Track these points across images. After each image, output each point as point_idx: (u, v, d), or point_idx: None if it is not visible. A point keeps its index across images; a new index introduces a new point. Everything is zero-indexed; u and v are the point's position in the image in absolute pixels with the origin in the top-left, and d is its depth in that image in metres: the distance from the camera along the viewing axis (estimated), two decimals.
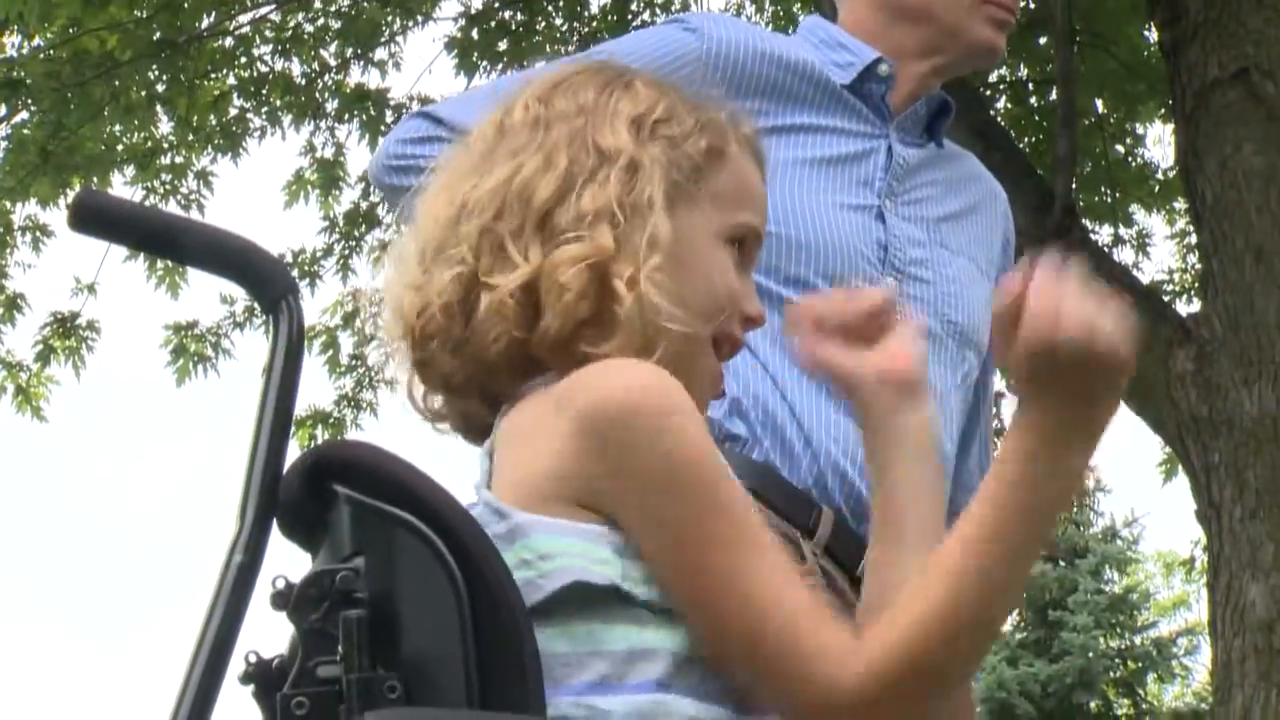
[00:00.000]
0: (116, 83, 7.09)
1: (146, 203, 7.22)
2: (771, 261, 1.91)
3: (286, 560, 1.30)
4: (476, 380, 1.37)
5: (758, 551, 1.25)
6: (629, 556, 1.25)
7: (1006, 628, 19.21)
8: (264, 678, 1.23)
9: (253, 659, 1.24)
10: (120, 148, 7.54)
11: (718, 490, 1.26)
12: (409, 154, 1.96)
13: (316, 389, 8.12)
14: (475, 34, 7.21)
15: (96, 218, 1.30)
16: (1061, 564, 18.86)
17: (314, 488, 1.27)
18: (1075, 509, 19.26)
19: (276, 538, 1.29)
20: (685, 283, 1.36)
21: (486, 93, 2.00)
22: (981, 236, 2.18)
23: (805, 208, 1.97)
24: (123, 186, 7.55)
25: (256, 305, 1.34)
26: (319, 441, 7.91)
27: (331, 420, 8.18)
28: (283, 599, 1.21)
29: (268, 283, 1.31)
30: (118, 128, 7.41)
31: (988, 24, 2.10)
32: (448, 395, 1.41)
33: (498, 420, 1.36)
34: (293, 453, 1.31)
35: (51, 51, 7.14)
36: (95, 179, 7.24)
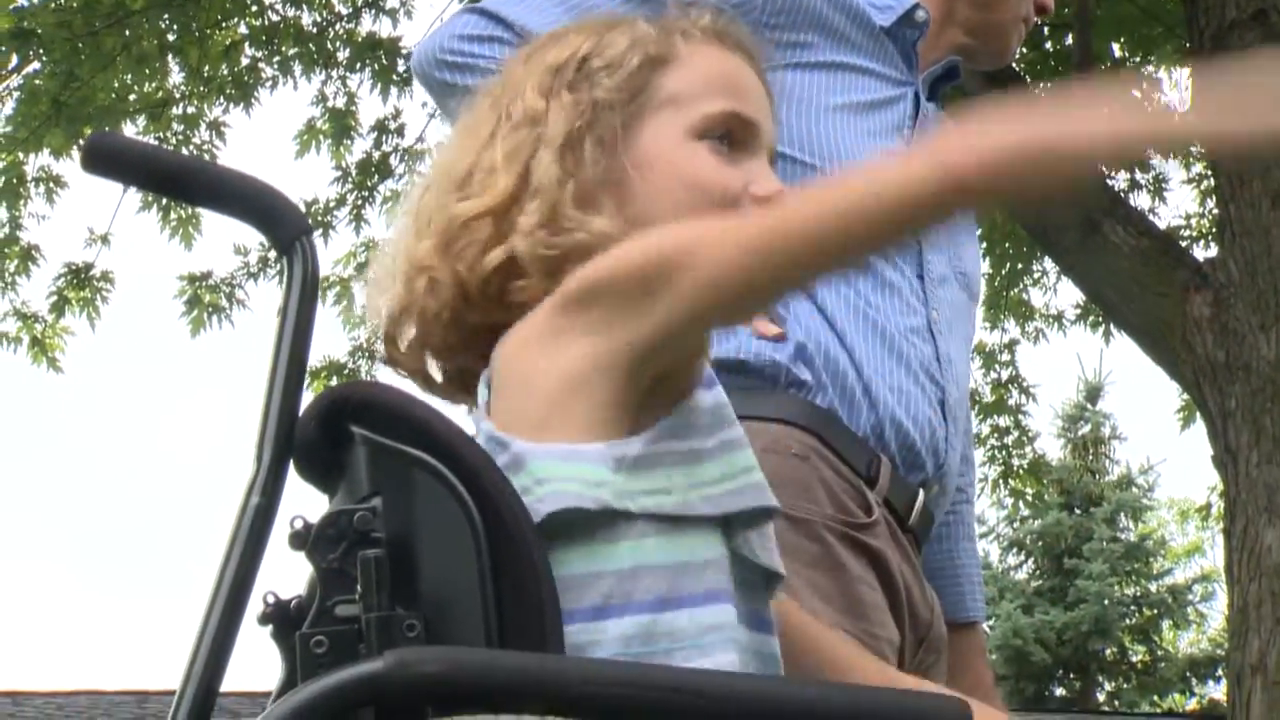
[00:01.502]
0: (128, 32, 7.08)
1: None
2: None
3: (303, 501, 1.30)
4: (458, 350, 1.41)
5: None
6: (630, 469, 1.26)
7: (1022, 575, 19.27)
8: (282, 618, 1.23)
9: (271, 599, 1.24)
10: (132, 98, 7.53)
11: None
12: (466, 51, 1.90)
13: (330, 340, 8.14)
14: None
15: (110, 159, 1.30)
16: (1077, 512, 18.88)
17: (330, 429, 1.26)
18: (1091, 457, 19.28)
19: (293, 479, 1.29)
20: (661, 190, 1.38)
21: None
22: None
23: (852, 151, 1.98)
24: (135, 136, 7.54)
25: (270, 248, 1.34)
26: None
27: (346, 371, 8.20)
28: (301, 539, 1.21)
29: (282, 223, 1.30)
30: (129, 78, 7.40)
31: (1016, 40, 2.22)
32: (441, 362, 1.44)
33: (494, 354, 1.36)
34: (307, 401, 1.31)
35: (62, 1, 7.11)
36: (107, 129, 7.23)
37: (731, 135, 1.43)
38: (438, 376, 1.44)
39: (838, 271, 1.31)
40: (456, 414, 1.29)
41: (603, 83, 1.41)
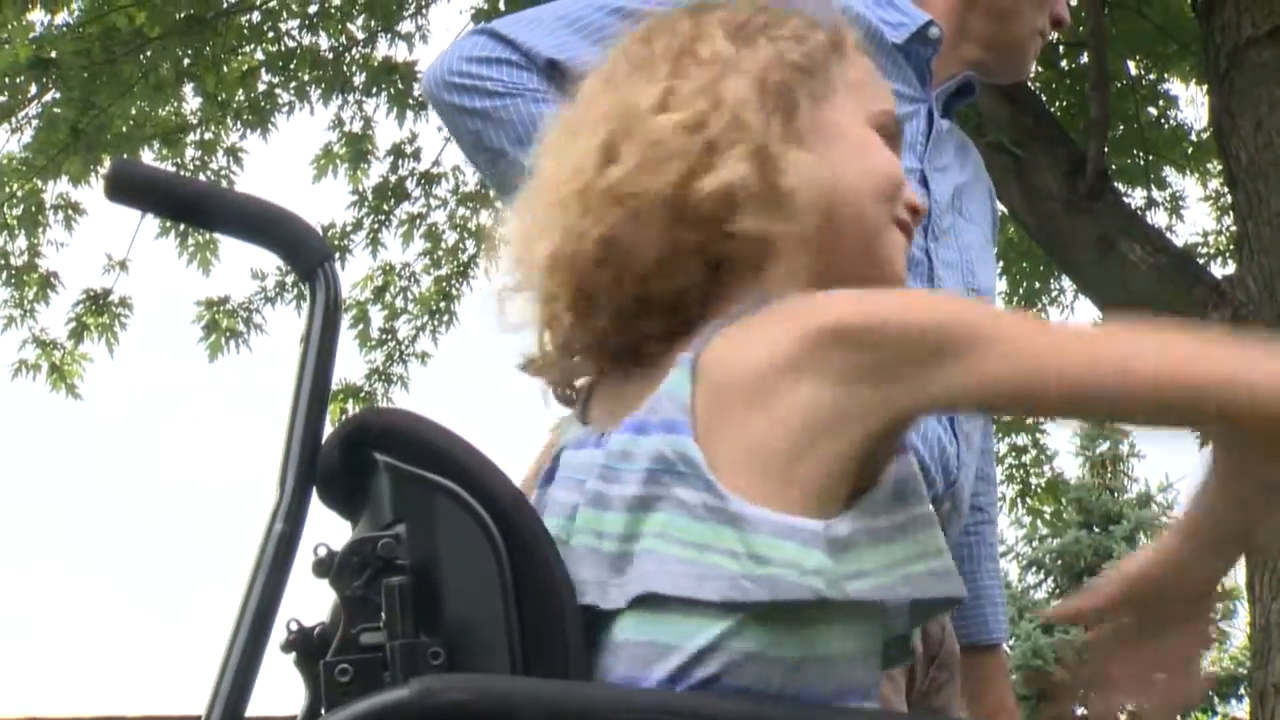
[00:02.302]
0: (145, 59, 7.10)
1: None
2: None
3: (327, 528, 1.30)
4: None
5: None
6: (844, 550, 1.19)
7: (1042, 594, 19.19)
8: (306, 646, 1.24)
9: (294, 627, 1.24)
10: (149, 125, 7.56)
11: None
12: (473, 73, 1.90)
13: (347, 363, 8.14)
14: (502, 4, 7.19)
15: (132, 187, 1.30)
16: (1096, 530, 18.81)
17: (353, 456, 1.27)
18: (1110, 475, 19.21)
19: (317, 506, 1.29)
20: (847, 165, 1.34)
21: (556, 14, 1.95)
22: (984, 205, 2.23)
23: None
24: (152, 163, 7.56)
25: (292, 275, 1.34)
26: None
27: (363, 395, 8.20)
28: (324, 567, 1.21)
29: (304, 250, 1.31)
30: (146, 105, 7.43)
31: (1032, 53, 2.21)
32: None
33: (694, 353, 1.25)
34: (328, 426, 1.30)
35: (81, 29, 7.15)
36: (126, 156, 7.26)
37: (887, 133, 1.41)
38: (585, 362, 1.34)
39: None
40: (478, 440, 1.27)
41: (792, 46, 1.36)
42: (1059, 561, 18.77)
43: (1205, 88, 5.86)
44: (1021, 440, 8.74)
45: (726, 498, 1.18)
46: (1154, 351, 1.20)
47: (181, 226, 7.48)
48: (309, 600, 1.29)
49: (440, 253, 8.20)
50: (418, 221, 8.14)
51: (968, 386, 1.19)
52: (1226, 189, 5.63)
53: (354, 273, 8.39)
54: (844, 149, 1.34)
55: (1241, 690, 17.15)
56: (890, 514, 1.23)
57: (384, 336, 8.28)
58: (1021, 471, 8.80)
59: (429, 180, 8.11)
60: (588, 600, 1.21)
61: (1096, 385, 1.18)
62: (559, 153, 1.35)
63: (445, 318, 8.28)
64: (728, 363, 1.23)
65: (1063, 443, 20.14)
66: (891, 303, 1.24)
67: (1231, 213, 6.15)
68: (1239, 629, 18.28)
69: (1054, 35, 2.25)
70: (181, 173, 7.51)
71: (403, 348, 8.30)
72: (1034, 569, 19.17)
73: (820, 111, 1.34)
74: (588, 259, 1.28)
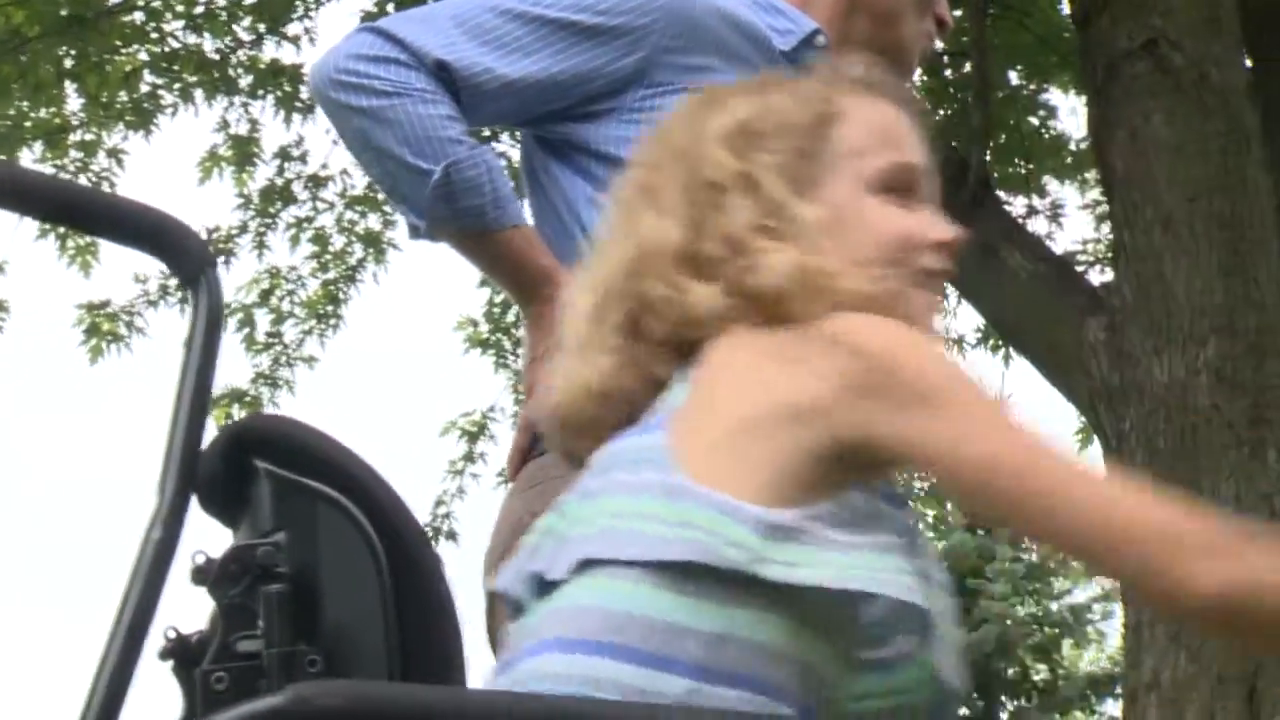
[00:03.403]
0: (24, 59, 6.98)
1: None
2: None
3: (206, 536, 1.30)
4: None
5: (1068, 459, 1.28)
6: (783, 539, 1.23)
7: None
8: (183, 653, 1.23)
9: (172, 635, 1.23)
10: (29, 124, 7.43)
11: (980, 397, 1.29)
12: (360, 71, 1.89)
13: (232, 367, 8.05)
14: (390, 7, 7.16)
15: (9, 191, 1.28)
16: (980, 533, 19.07)
17: (234, 462, 1.26)
18: None
19: (196, 513, 1.28)
20: (853, 246, 1.39)
21: (446, 14, 1.95)
22: None
23: None
24: (32, 164, 7.42)
25: (173, 280, 1.34)
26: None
27: (248, 399, 8.12)
28: (203, 574, 1.21)
29: (186, 256, 1.29)
30: (26, 105, 7.30)
31: (918, 56, 2.22)
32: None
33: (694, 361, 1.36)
34: (210, 431, 1.30)
35: None
36: (3, 156, 7.13)
37: (900, 185, 1.44)
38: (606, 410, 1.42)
39: None
40: (364, 445, 1.29)
41: (779, 145, 1.41)
42: (944, 563, 18.97)
43: (1084, 98, 5.97)
44: None
45: (671, 472, 1.25)
46: (1115, 517, 1.24)
47: (61, 229, 7.35)
48: (189, 608, 1.29)
49: (328, 256, 8.13)
50: (305, 225, 8.07)
51: (940, 448, 1.25)
52: (1104, 198, 5.74)
53: (240, 276, 8.31)
54: (844, 234, 1.39)
55: (1118, 689, 17.47)
56: (851, 531, 1.27)
57: (270, 340, 8.20)
58: (906, 475, 8.90)
59: (316, 183, 8.05)
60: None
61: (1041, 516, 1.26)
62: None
63: (332, 322, 8.21)
64: (725, 361, 1.32)
65: None
66: (909, 340, 1.30)
67: (1109, 221, 6.27)
68: (1116, 629, 18.64)
69: (939, 43, 2.28)
70: (62, 174, 7.38)
71: (289, 352, 8.23)
72: None
73: (815, 197, 1.40)
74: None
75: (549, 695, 1.18)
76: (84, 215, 1.33)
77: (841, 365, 1.27)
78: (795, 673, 1.24)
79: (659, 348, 1.39)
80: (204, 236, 7.76)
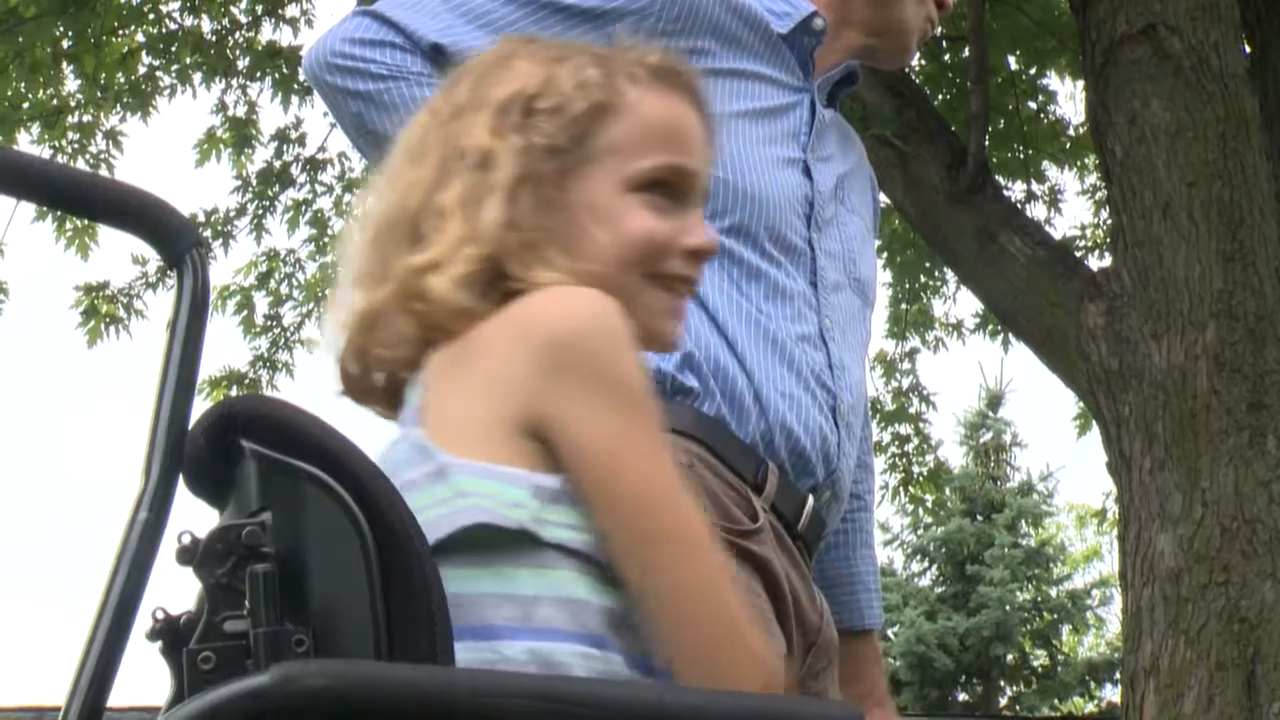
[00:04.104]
0: (21, 40, 6.97)
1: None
2: (715, 206, 1.93)
3: (192, 516, 1.29)
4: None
5: (698, 525, 1.30)
6: (548, 500, 1.28)
7: (926, 582, 19.42)
8: (171, 634, 1.23)
9: (160, 615, 1.23)
10: (26, 106, 7.41)
11: (653, 422, 1.31)
12: (356, 55, 1.89)
13: (231, 350, 8.06)
14: None
15: None
16: (979, 518, 19.08)
17: (220, 443, 1.26)
18: (993, 464, 19.51)
19: (183, 493, 1.28)
20: (592, 238, 1.40)
21: None
22: (866, 196, 2.25)
23: (748, 159, 1.99)
24: (30, 145, 7.42)
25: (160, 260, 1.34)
26: None
27: (247, 381, 8.12)
28: (188, 554, 1.21)
29: (171, 236, 1.30)
30: (23, 86, 7.28)
31: (919, 39, 2.20)
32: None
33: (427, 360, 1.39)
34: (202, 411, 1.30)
35: None
36: (1, 138, 7.12)
37: (669, 186, 1.45)
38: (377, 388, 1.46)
39: None
40: (344, 427, 1.29)
41: (547, 127, 1.42)
42: (943, 549, 19.02)
43: (1082, 83, 5.96)
44: (905, 429, 8.85)
45: (434, 454, 1.30)
46: None
47: (59, 211, 7.34)
48: (179, 589, 1.28)
49: (326, 239, 8.13)
50: (303, 207, 8.07)
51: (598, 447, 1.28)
52: (1103, 183, 5.73)
53: (238, 259, 8.32)
54: (593, 230, 1.42)
55: (1118, 675, 17.50)
56: None
57: (269, 323, 8.20)
58: (904, 460, 8.91)
59: (314, 166, 8.04)
60: None
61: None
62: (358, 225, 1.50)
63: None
64: (447, 354, 1.37)
65: (947, 431, 20.42)
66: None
67: (1107, 207, 6.27)
68: (1115, 615, 18.66)
69: (938, 28, 2.27)
70: (60, 156, 7.38)
71: (288, 334, 8.22)
72: (918, 557, 19.41)
73: (573, 189, 1.42)
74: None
75: (538, 675, 1.19)
76: (67, 196, 1.33)
77: (525, 347, 1.31)
78: (610, 622, 1.29)
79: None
80: (202, 219, 7.76)
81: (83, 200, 1.33)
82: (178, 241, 1.30)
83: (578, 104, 1.43)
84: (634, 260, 1.42)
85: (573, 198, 1.42)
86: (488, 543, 1.27)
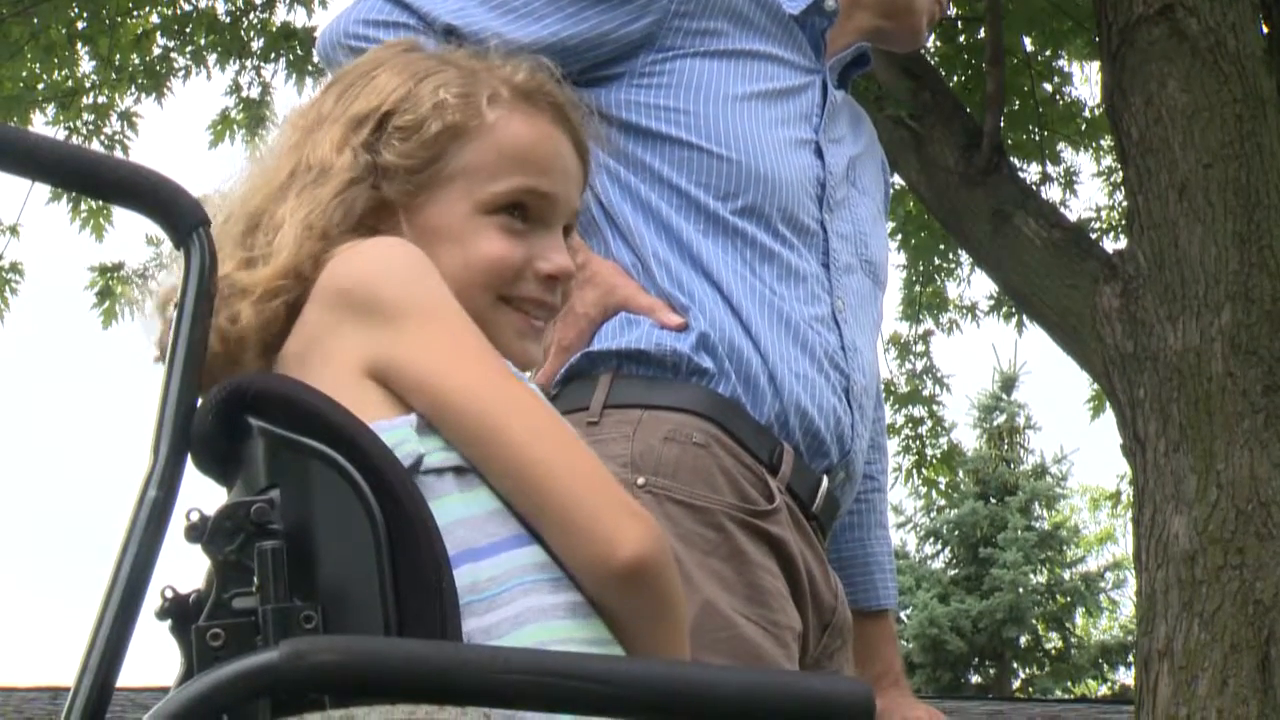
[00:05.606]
0: (36, 20, 6.97)
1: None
2: (727, 188, 1.93)
3: (201, 494, 1.30)
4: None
5: (534, 401, 1.32)
6: (422, 432, 1.29)
7: (939, 564, 19.42)
8: (181, 612, 1.23)
9: (169, 594, 1.23)
10: (41, 87, 7.42)
11: (457, 324, 1.33)
12: (369, 36, 1.89)
13: None
14: None
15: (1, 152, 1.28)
16: (992, 501, 19.07)
17: (228, 421, 1.26)
18: (1007, 446, 19.48)
19: (191, 472, 1.28)
20: (440, 258, 1.40)
21: None
22: (877, 178, 2.25)
23: (760, 141, 1.98)
24: (45, 126, 7.43)
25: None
26: None
27: None
28: (197, 532, 1.21)
29: (178, 215, 1.29)
30: (38, 67, 7.29)
31: (929, 21, 2.20)
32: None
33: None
34: None
35: None
36: (16, 119, 7.12)
37: (525, 209, 1.45)
38: None
39: None
40: None
41: (401, 147, 1.43)
42: (956, 532, 19.02)
43: (1098, 64, 5.93)
44: (919, 411, 8.84)
45: None
46: None
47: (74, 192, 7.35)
48: (189, 567, 1.29)
49: None
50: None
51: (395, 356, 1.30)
52: (1119, 164, 5.70)
53: None
54: (439, 252, 1.41)
55: (1131, 657, 17.50)
56: None
57: None
58: (918, 442, 8.90)
59: None
60: None
61: None
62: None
63: None
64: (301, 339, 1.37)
65: (960, 414, 20.40)
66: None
67: (1123, 188, 6.24)
68: (1129, 598, 18.65)
69: (950, 10, 2.27)
70: (75, 136, 7.38)
71: None
72: (931, 539, 19.41)
73: (421, 210, 1.43)
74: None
75: (548, 651, 1.18)
76: (76, 176, 1.33)
77: (322, 308, 1.33)
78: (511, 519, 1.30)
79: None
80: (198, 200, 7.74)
81: (91, 180, 1.33)
82: (184, 219, 1.30)
83: (433, 125, 1.44)
84: (482, 283, 1.43)
85: (422, 223, 1.43)
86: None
